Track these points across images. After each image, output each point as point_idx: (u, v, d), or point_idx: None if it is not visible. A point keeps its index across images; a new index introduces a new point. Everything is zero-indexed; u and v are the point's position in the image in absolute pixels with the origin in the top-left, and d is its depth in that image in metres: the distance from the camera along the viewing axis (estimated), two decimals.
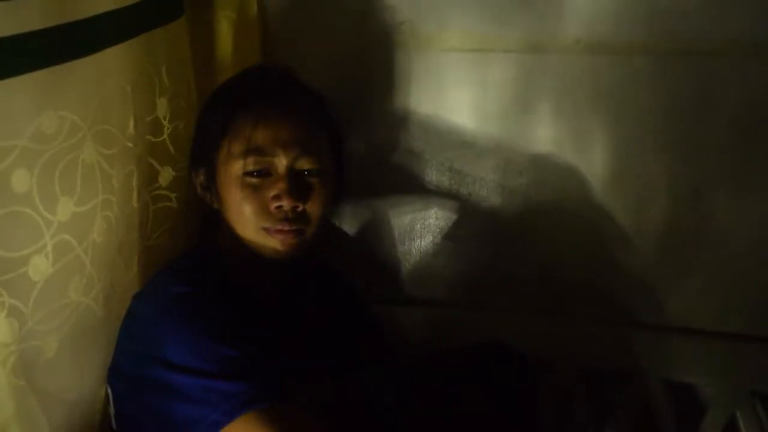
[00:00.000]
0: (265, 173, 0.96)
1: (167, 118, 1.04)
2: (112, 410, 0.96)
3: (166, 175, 1.06)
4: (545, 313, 1.31)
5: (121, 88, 0.92)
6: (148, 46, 0.97)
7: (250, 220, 0.96)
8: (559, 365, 1.30)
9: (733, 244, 1.22)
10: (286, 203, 0.95)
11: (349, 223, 1.35)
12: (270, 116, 0.96)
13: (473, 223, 1.32)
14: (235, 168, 0.96)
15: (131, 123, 0.95)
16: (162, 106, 1.02)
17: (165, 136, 1.04)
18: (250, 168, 0.95)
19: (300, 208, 0.96)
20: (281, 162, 0.96)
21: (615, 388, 1.29)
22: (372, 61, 1.29)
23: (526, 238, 1.30)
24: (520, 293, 1.32)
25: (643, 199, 1.24)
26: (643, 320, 1.28)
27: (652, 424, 1.27)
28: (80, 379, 0.93)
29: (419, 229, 1.35)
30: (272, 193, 0.95)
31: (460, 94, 1.27)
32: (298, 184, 0.96)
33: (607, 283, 1.29)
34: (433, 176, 1.31)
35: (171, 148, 1.06)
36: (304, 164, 0.97)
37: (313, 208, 0.97)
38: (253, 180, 0.96)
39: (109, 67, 0.89)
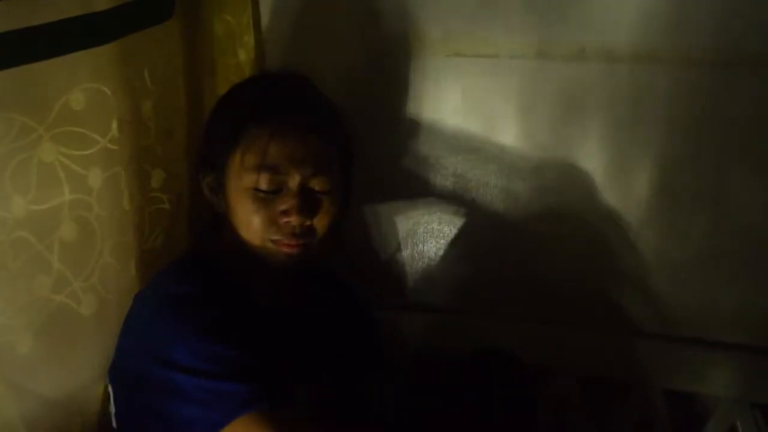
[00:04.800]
0: (276, 190, 0.96)
1: (153, 120, 1.04)
2: (112, 409, 0.97)
3: (157, 177, 1.07)
4: (546, 321, 1.30)
5: (97, 90, 0.92)
6: (126, 49, 0.97)
7: (258, 231, 0.95)
8: (560, 373, 1.29)
9: (736, 254, 1.22)
10: (294, 219, 0.94)
11: (352, 228, 1.34)
12: (285, 132, 0.95)
13: (476, 229, 1.32)
14: (246, 180, 0.95)
15: (114, 125, 0.95)
16: (146, 109, 1.03)
17: (152, 138, 1.05)
18: (263, 187, 0.95)
19: (308, 223, 0.96)
20: (294, 180, 0.95)
21: (615, 397, 1.28)
22: (377, 66, 1.29)
23: (528, 245, 1.30)
24: (522, 300, 1.30)
25: (646, 207, 1.24)
26: (644, 329, 1.27)
27: None
28: (64, 378, 0.94)
29: (422, 234, 1.34)
30: (282, 207, 0.95)
31: (465, 100, 1.27)
32: (308, 201, 0.95)
33: (609, 291, 1.28)
34: (437, 181, 1.31)
35: (159, 151, 1.06)
36: (316, 184, 0.96)
37: (320, 223, 0.97)
38: (264, 195, 0.95)
39: (77, 70, 0.89)
